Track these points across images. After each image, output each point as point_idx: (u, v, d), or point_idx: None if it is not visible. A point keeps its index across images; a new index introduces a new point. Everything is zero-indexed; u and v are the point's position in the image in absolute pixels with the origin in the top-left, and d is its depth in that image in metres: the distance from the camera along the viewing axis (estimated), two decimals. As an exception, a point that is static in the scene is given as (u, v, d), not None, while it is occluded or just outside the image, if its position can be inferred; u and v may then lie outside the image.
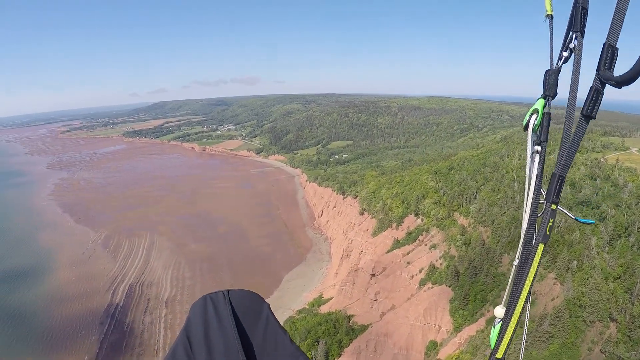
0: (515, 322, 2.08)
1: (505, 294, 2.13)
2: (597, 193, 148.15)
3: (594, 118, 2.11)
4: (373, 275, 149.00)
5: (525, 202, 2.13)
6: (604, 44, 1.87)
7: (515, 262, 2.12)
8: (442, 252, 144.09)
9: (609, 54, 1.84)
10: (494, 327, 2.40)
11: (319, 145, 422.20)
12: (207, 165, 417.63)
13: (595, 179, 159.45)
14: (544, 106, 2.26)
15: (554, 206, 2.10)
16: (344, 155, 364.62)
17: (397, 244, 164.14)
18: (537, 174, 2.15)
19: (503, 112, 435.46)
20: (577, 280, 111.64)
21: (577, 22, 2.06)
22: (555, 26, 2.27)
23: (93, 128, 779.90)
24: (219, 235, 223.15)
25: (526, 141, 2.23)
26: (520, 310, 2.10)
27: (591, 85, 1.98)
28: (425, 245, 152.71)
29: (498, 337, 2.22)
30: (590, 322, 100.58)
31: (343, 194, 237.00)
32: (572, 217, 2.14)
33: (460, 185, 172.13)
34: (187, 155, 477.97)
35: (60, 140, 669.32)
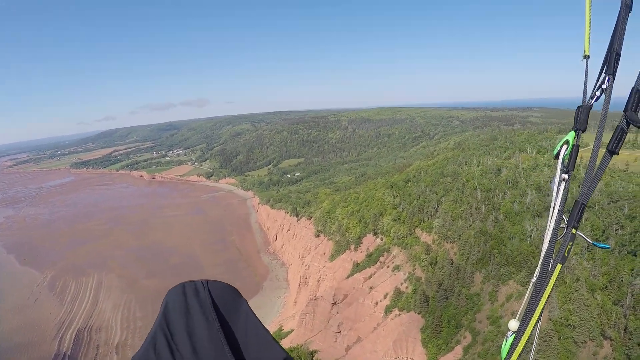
0: (527, 336, 2.17)
1: (521, 309, 2.25)
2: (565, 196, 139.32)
3: (617, 154, 2.27)
4: (334, 303, 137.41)
5: (548, 226, 2.25)
6: (633, 89, 2.08)
7: (533, 280, 2.23)
8: (407, 273, 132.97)
9: (637, 97, 2.06)
10: (506, 340, 2.50)
11: (270, 165, 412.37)
12: (157, 193, 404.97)
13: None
14: (574, 138, 2.41)
15: (574, 230, 2.27)
16: (296, 174, 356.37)
17: (357, 267, 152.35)
18: (561, 200, 2.30)
19: (453, 118, 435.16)
20: (560, 296, 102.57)
21: (611, 65, 2.26)
22: (591, 66, 2.43)
23: (40, 161, 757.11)
24: (172, 268, 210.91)
25: (556, 167, 2.36)
26: (533, 326, 2.18)
27: (617, 124, 2.18)
28: (388, 267, 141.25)
29: (509, 349, 2.30)
30: (581, 342, 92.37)
31: (297, 216, 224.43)
32: (590, 241, 2.77)
33: (419, 198, 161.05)
34: (136, 184, 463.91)
35: (6, 175, 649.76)
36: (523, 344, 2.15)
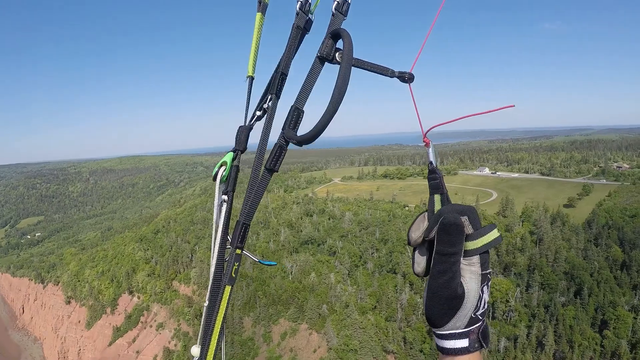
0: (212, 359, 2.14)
1: (200, 334, 2.20)
2: (317, 229, 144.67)
3: (277, 171, 2.24)
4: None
5: (212, 248, 2.19)
6: (291, 107, 2.09)
7: (206, 304, 2.16)
8: (173, 330, 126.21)
9: (295, 115, 2.05)
10: None
11: (7, 226, 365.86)
12: None
13: (312, 215, 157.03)
14: (233, 159, 2.29)
15: (238, 251, 2.21)
16: (37, 234, 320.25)
17: (118, 332, 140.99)
18: (224, 222, 2.22)
19: (197, 163, 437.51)
20: (334, 324, 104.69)
21: (275, 85, 2.26)
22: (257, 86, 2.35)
23: None
24: None
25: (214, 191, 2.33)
26: (214, 347, 2.11)
27: (275, 142, 2.17)
28: (151, 326, 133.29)
29: None
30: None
31: (42, 282, 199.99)
32: (256, 260, 2.27)
33: (171, 249, 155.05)
34: None
35: None
36: None
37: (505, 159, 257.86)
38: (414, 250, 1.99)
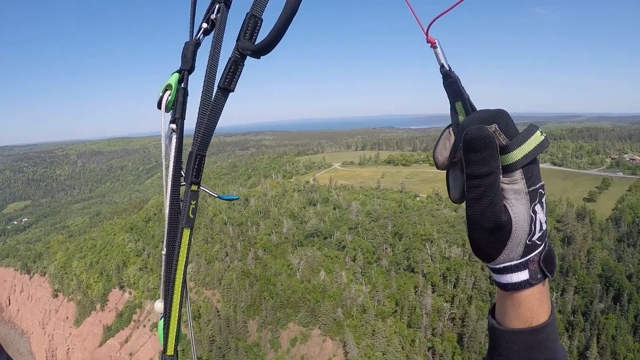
0: (177, 313, 1.88)
1: (160, 287, 1.69)
2: (323, 220, 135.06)
3: (233, 91, 1.89)
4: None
5: (165, 187, 1.93)
6: (247, 14, 1.80)
7: (164, 252, 1.92)
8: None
9: (251, 23, 1.79)
10: (159, 324, 1.91)
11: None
12: None
13: (315, 204, 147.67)
14: (180, 81, 1.98)
15: (194, 187, 1.91)
16: (24, 219, 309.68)
17: (109, 331, 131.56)
18: (174, 155, 1.95)
19: (188, 145, 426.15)
20: (352, 330, 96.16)
21: None
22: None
23: None
24: None
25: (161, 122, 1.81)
26: (178, 300, 1.88)
27: (230, 56, 1.85)
28: (145, 326, 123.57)
29: (164, 332, 1.92)
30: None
31: (29, 273, 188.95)
32: (215, 195, 2.04)
33: (162, 239, 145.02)
34: None
35: None
36: (175, 324, 1.87)
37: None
38: (447, 173, 1.71)
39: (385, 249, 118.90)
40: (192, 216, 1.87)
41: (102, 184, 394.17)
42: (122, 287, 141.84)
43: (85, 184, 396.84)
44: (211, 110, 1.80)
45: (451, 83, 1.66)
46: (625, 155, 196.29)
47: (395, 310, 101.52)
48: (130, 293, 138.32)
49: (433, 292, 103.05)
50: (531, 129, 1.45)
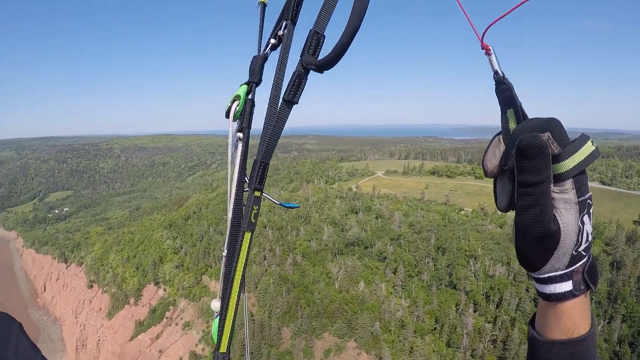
0: (233, 313, 1.94)
1: (219, 287, 1.73)
2: (364, 229, 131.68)
3: (297, 103, 1.97)
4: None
5: (229, 191, 2.02)
6: (310, 31, 1.87)
7: (224, 253, 1.98)
8: (201, 332, 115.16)
9: (314, 39, 1.85)
10: (214, 322, 2.10)
11: (36, 200, 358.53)
12: None
13: (357, 212, 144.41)
14: (247, 92, 2.11)
15: (257, 193, 2.00)
16: (65, 209, 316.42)
17: (141, 326, 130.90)
18: (240, 162, 2.05)
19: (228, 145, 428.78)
20: (389, 346, 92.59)
21: (290, 9, 2.02)
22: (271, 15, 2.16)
23: None
24: None
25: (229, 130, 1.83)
26: (235, 300, 1.94)
27: (294, 70, 1.92)
28: (177, 324, 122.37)
29: (218, 331, 1.99)
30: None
31: (66, 262, 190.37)
32: (277, 202, 2.14)
33: (202, 239, 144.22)
34: None
35: None
36: (230, 323, 1.93)
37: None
38: (495, 180, 1.73)
39: (428, 262, 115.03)
40: (253, 220, 1.95)
41: (143, 179, 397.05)
42: (157, 284, 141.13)
43: (127, 178, 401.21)
44: (276, 121, 1.88)
45: (504, 90, 1.67)
46: None
47: (435, 328, 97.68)
48: (164, 290, 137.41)
49: (475, 312, 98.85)
50: (583, 139, 1.48)
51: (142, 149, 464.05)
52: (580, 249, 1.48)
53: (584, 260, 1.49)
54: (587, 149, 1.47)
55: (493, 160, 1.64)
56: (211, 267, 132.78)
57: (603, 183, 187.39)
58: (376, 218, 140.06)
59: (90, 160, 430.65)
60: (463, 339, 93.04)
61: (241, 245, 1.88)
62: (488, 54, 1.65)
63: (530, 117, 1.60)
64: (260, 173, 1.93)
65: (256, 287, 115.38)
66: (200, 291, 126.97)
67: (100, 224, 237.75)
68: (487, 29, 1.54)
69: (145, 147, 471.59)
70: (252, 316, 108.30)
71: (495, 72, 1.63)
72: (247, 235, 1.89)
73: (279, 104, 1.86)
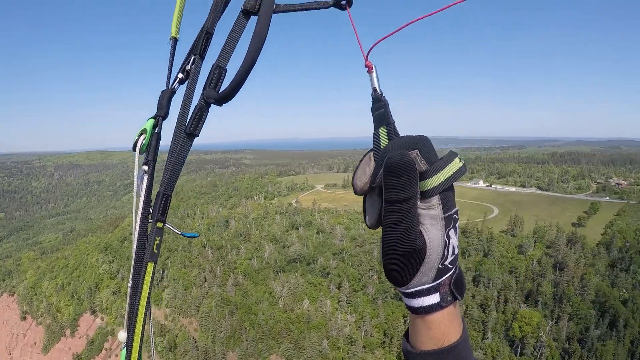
0: (139, 343, 1.76)
1: (125, 317, 1.76)
2: (306, 245, 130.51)
3: (198, 136, 1.93)
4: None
5: (134, 223, 1.86)
6: (213, 65, 1.89)
7: (130, 284, 1.83)
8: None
9: (216, 73, 1.87)
10: (122, 354, 2.02)
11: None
12: None
13: (298, 228, 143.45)
14: (154, 126, 1.94)
15: (160, 224, 1.86)
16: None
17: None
18: (145, 194, 1.86)
19: (164, 162, 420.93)
20: None
21: (199, 45, 2.00)
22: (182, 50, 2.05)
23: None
24: None
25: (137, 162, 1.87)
26: (140, 330, 1.77)
27: (196, 104, 1.90)
28: (117, 355, 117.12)
29: None
30: None
31: None
32: (178, 232, 2.21)
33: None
34: None
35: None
36: (137, 354, 1.79)
37: (497, 171, 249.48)
38: (364, 198, 1.69)
39: (372, 276, 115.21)
40: (156, 251, 1.88)
41: (78, 199, 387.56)
42: (93, 312, 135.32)
43: (61, 198, 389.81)
44: (178, 154, 1.88)
45: (379, 107, 1.73)
46: (611, 180, 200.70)
47: (384, 342, 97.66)
48: (102, 319, 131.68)
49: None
50: (451, 156, 1.52)
51: (76, 167, 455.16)
52: (446, 262, 1.53)
53: (451, 272, 1.54)
54: (454, 166, 1.51)
55: (363, 178, 1.64)
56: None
57: (540, 188, 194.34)
58: (317, 233, 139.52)
59: (23, 180, 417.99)
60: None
61: (144, 276, 1.81)
62: (370, 71, 1.67)
63: (404, 134, 1.63)
64: (162, 205, 1.87)
65: (198, 311, 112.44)
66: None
67: (33, 248, 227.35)
68: (372, 47, 1.59)
69: (79, 165, 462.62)
70: (195, 342, 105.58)
71: (374, 90, 1.70)
72: (150, 266, 1.82)
73: (182, 137, 1.87)
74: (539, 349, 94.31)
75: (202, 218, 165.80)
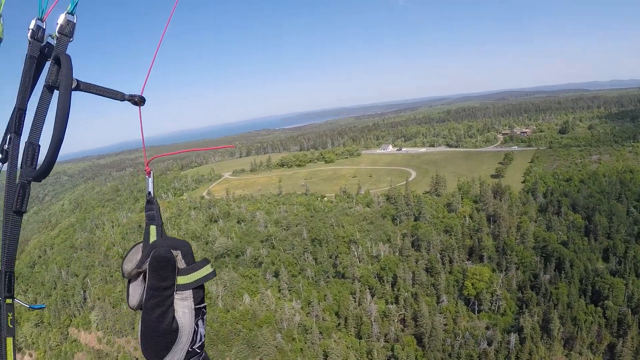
0: None
1: None
2: (230, 237, 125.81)
3: (26, 212, 2.12)
4: None
5: None
6: (26, 143, 2.00)
7: None
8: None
9: (30, 151, 1.97)
10: None
11: None
12: None
13: (217, 221, 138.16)
14: None
15: (9, 301, 2.09)
16: None
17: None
18: None
19: (59, 173, 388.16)
20: (299, 355, 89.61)
21: (12, 123, 2.11)
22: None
23: None
24: None
25: None
26: None
27: (17, 182, 2.05)
28: None
29: None
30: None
31: None
32: (27, 306, 2.78)
33: (56, 287, 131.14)
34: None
35: None
36: None
37: (401, 134, 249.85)
38: (129, 282, 2.10)
39: (307, 257, 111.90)
40: (11, 326, 2.07)
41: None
42: (19, 350, 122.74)
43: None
44: (10, 232, 2.02)
45: (151, 209, 2.22)
46: (516, 129, 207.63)
47: (339, 323, 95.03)
48: (30, 355, 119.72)
49: (373, 296, 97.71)
50: (203, 262, 1.92)
51: None
52: (195, 347, 1.90)
53: (197, 356, 1.91)
54: (205, 270, 1.90)
55: (130, 265, 2.04)
56: (75, 317, 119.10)
57: (450, 146, 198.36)
58: (238, 222, 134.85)
59: None
60: (372, 327, 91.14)
61: (6, 350, 1.97)
62: (148, 175, 2.09)
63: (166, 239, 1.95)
64: (7, 282, 2.05)
65: (133, 329, 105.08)
66: (71, 347, 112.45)
67: None
68: (152, 158, 1.81)
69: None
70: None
71: (149, 193, 2.13)
72: (10, 340, 2.00)
73: (11, 216, 2.00)
74: (496, 302, 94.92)
75: (113, 227, 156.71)
